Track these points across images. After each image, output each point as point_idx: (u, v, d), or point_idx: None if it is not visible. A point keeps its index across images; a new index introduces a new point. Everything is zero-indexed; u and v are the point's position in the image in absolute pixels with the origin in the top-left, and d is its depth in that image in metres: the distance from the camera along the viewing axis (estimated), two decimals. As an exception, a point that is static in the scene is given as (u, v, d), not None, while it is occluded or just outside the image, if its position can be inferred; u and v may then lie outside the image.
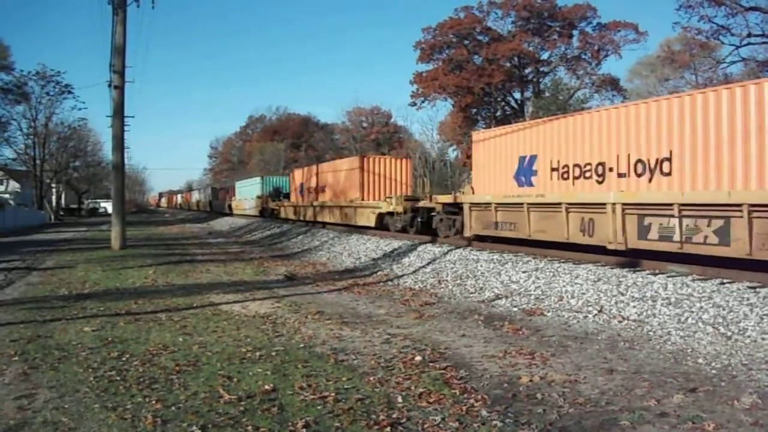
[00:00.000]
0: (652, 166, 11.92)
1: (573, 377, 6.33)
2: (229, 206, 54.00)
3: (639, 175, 12.21)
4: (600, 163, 13.16)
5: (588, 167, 13.51)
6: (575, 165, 13.90)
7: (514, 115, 54.71)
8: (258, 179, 45.31)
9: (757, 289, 9.05)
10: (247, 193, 46.92)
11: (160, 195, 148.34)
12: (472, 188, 17.38)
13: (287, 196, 38.86)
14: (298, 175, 36.09)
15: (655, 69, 50.05)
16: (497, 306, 10.79)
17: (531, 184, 15.31)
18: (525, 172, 15.52)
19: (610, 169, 12.92)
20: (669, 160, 11.58)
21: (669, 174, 11.58)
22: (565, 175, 14.17)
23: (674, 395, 5.66)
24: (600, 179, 13.20)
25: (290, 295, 12.05)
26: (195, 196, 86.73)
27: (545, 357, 7.15)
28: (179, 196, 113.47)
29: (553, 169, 14.55)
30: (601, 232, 12.77)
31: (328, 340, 8.08)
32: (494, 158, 16.76)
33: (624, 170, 12.56)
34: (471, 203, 17.19)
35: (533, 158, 15.27)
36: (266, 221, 39.09)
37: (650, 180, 11.96)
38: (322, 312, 10.20)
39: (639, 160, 12.21)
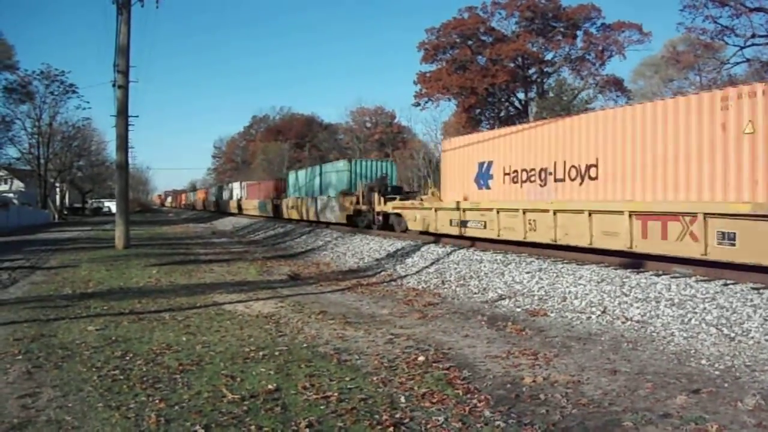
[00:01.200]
0: None
1: (576, 378, 6.32)
2: (275, 207, 39.57)
3: None
4: None
5: None
6: None
7: (518, 116, 54.70)
8: (342, 164, 29.14)
9: (761, 291, 9.02)
10: (317, 188, 31.78)
11: (166, 194, 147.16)
12: None
13: (398, 191, 25.37)
14: (476, 141, 17.77)
15: (659, 70, 49.98)
16: (500, 306, 10.78)
17: None
18: None
19: None
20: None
21: None
22: None
23: (677, 396, 5.65)
24: None
25: (294, 295, 12.06)
26: (213, 193, 71.39)
27: (548, 357, 7.15)
28: (191, 194, 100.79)
29: None
30: None
31: (331, 340, 8.09)
32: None
33: None
34: None
35: None
36: (270, 221, 38.66)
37: None
38: (326, 312, 10.21)
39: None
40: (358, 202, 25.35)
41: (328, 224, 28.85)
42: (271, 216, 40.30)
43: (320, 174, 31.91)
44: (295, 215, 35.05)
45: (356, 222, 26.02)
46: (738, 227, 10.09)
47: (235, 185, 57.30)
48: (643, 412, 5.24)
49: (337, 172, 29.13)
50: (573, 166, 13.92)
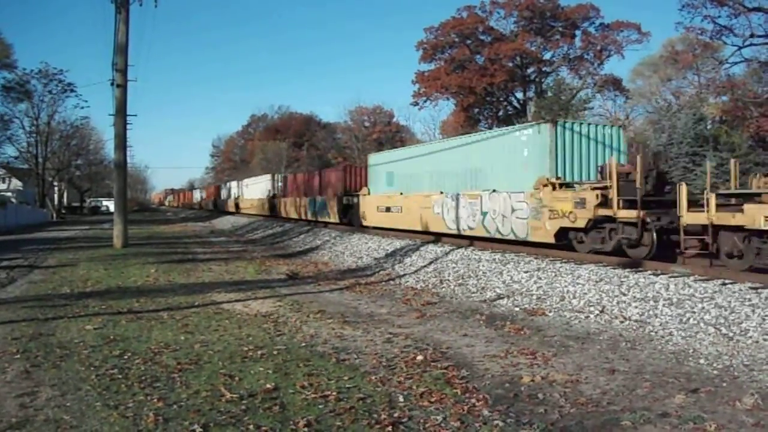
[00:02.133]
0: None
1: (575, 377, 6.32)
2: (345, 209, 26.73)
3: None
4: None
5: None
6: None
7: (516, 116, 54.71)
8: (531, 132, 15.65)
9: (759, 290, 9.03)
10: (461, 177, 18.08)
11: (166, 192, 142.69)
12: None
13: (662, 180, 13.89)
14: None
15: (658, 69, 49.95)
16: (499, 306, 10.78)
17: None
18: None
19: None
20: None
21: None
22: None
23: (676, 395, 5.65)
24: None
25: (292, 294, 12.05)
26: (229, 191, 56.32)
27: (547, 357, 7.15)
28: (198, 192, 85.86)
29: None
30: None
31: (329, 339, 8.09)
32: None
33: None
34: None
35: None
36: (268, 219, 38.46)
37: None
38: (324, 311, 10.20)
39: None
40: (603, 203, 12.96)
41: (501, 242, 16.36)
42: (337, 222, 27.37)
43: (468, 146, 18.15)
44: (396, 223, 21.43)
45: (578, 242, 14.10)
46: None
47: (262, 179, 44.32)
48: (641, 412, 5.24)
49: (516, 141, 15.98)
50: None
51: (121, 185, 23.65)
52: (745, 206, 10.77)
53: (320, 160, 72.28)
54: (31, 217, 46.30)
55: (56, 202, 63.57)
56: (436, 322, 9.43)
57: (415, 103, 57.32)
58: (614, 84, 53.14)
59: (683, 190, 11.45)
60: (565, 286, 11.10)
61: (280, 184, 39.88)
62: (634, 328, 8.60)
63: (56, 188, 64.34)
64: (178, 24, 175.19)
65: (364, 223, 24.30)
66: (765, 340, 7.44)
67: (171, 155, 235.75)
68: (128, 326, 8.85)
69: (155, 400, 5.52)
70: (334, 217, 27.58)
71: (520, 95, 56.45)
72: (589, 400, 5.58)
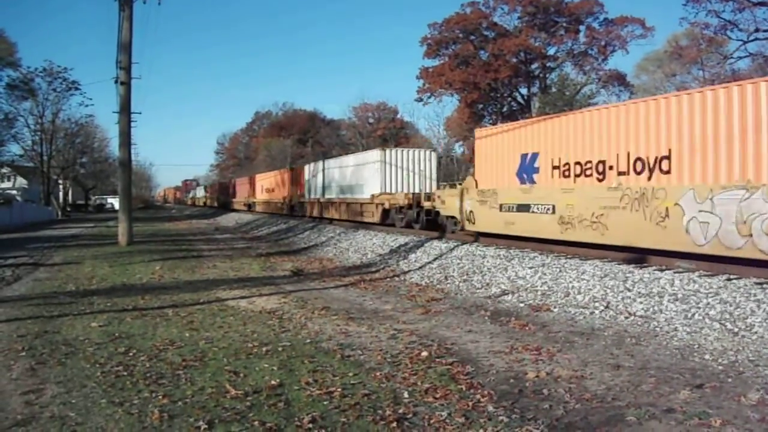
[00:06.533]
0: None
1: (579, 373, 6.31)
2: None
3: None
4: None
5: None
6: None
7: (520, 111, 54.56)
8: None
9: (764, 285, 9.00)
10: None
11: (187, 186, 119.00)
12: None
13: None
14: None
15: (662, 64, 49.74)
16: (504, 302, 10.77)
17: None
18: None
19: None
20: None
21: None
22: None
23: (681, 391, 5.64)
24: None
25: (297, 291, 12.07)
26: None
27: (552, 352, 7.14)
28: (277, 176, 43.47)
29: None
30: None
31: (334, 336, 8.09)
32: None
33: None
34: None
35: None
36: (273, 217, 38.57)
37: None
38: (329, 307, 10.21)
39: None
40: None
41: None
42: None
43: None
44: None
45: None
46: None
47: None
48: (646, 407, 5.23)
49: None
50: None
51: (126, 183, 23.70)
52: None
53: (324, 157, 72.24)
54: (37, 214, 46.47)
55: (61, 199, 63.81)
56: (440, 318, 9.43)
57: (420, 99, 57.22)
58: (618, 79, 52.92)
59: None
60: (570, 282, 11.09)
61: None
62: (639, 323, 8.58)
63: (61, 186, 64.56)
64: (181, 21, 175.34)
65: None
66: (771, 335, 7.41)
67: (175, 153, 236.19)
68: (133, 323, 8.88)
69: (160, 397, 5.54)
70: None
71: (524, 91, 56.31)
72: (594, 396, 5.58)
